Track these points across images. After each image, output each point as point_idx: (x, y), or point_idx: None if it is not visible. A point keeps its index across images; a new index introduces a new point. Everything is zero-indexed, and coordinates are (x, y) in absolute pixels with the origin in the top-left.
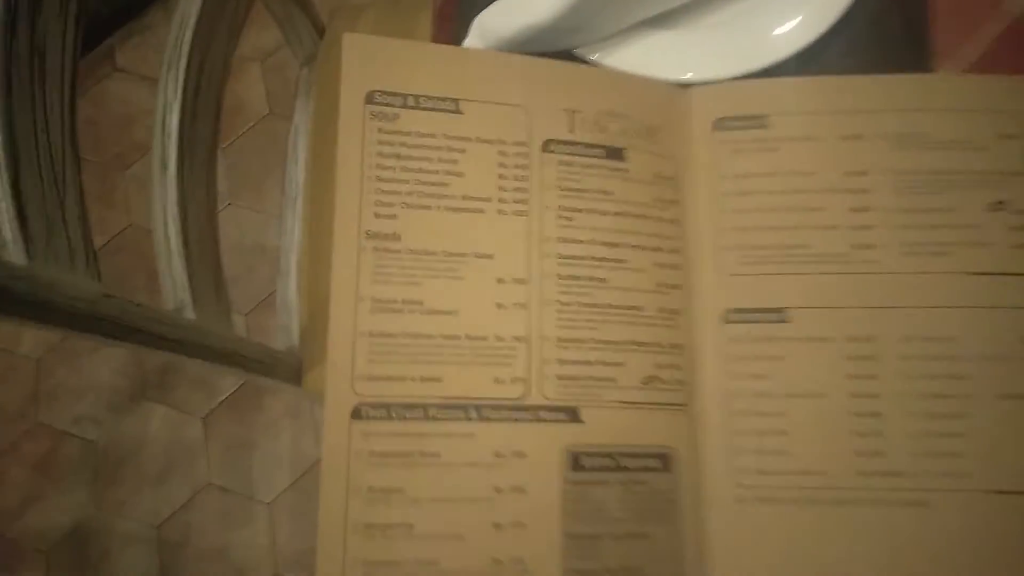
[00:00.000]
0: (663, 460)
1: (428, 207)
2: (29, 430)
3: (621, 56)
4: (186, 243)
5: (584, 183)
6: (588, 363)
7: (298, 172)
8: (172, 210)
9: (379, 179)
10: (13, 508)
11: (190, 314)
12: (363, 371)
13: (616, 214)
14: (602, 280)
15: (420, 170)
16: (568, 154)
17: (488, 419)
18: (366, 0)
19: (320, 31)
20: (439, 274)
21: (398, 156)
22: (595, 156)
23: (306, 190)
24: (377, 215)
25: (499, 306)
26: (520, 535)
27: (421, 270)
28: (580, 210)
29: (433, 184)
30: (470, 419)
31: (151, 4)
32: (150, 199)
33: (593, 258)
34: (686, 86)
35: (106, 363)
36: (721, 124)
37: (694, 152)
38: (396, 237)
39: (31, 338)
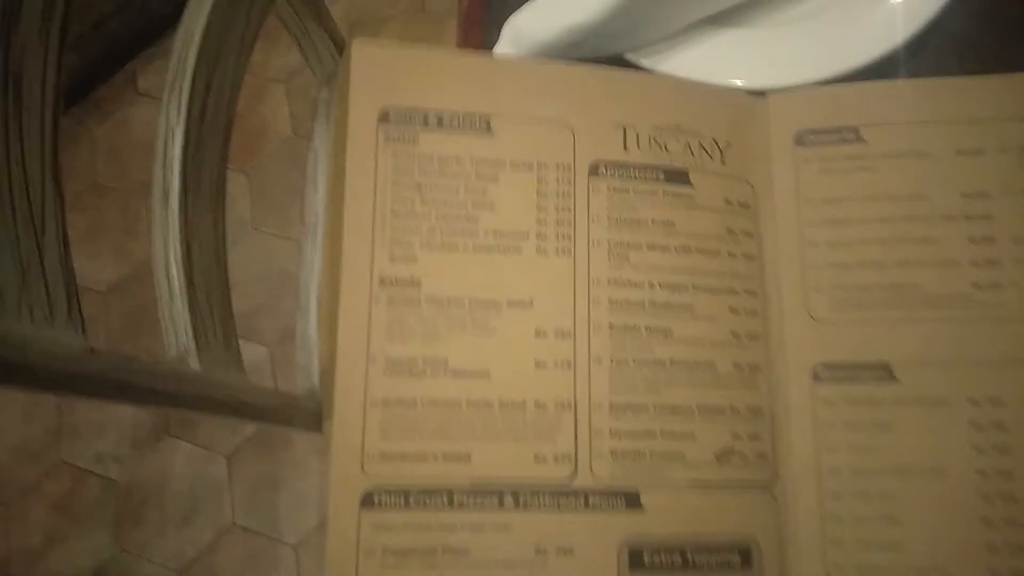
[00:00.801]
0: (743, 555)
1: (454, 247)
2: (51, 469)
3: (681, 60)
4: (190, 283)
5: (641, 213)
6: (649, 435)
7: (317, 199)
8: (174, 247)
9: (395, 214)
10: (36, 549)
11: (193, 363)
12: (375, 448)
13: (680, 250)
14: (665, 331)
15: (444, 202)
16: (621, 178)
17: (527, 507)
18: (390, 11)
19: (340, 47)
20: (467, 327)
21: (418, 186)
22: (654, 180)
23: (326, 218)
24: (393, 257)
25: (539, 365)
26: None
27: (445, 323)
28: (636, 246)
29: (459, 219)
30: (505, 507)
31: (173, 26)
32: (150, 235)
33: (653, 304)
34: (761, 94)
35: None
36: (806, 138)
37: (774, 173)
38: (415, 283)
39: None
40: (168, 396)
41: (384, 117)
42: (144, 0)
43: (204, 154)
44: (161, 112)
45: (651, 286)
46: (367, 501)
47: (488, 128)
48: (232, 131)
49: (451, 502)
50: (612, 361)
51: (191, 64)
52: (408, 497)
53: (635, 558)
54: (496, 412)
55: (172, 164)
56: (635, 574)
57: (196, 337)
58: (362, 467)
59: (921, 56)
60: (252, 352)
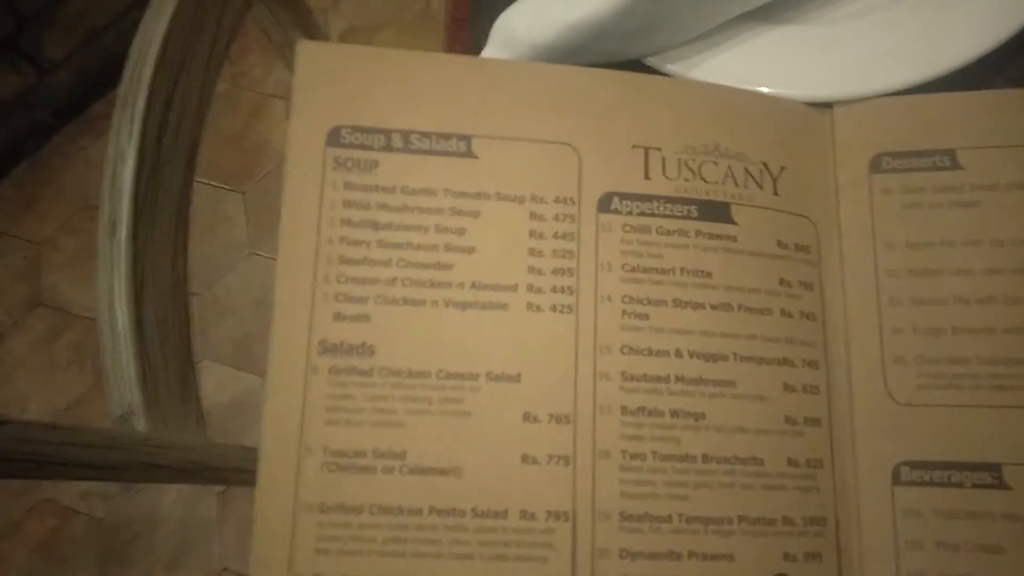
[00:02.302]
0: None
1: (419, 302)
2: (33, 507)
3: (718, 65)
4: (138, 329)
5: (666, 259)
6: (673, 556)
7: None
8: (121, 285)
9: (344, 260)
10: None
11: (140, 423)
12: (307, 567)
13: (718, 307)
14: (696, 415)
15: (409, 245)
16: (641, 215)
17: None
18: (390, 19)
19: None
20: (433, 409)
21: (374, 224)
22: (684, 217)
23: None
24: (339, 316)
25: (528, 460)
26: None
27: (405, 403)
28: (659, 302)
29: (428, 266)
30: None
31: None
32: (95, 274)
33: (681, 379)
34: (825, 106)
35: None
36: (884, 163)
37: (842, 207)
38: (367, 351)
39: (37, 405)
40: (102, 470)
41: (334, 138)
42: (138, 13)
43: (162, 180)
44: (112, 132)
45: (678, 355)
46: None
47: (469, 151)
48: (197, 153)
49: None
50: (624, 455)
51: (147, 77)
52: None
53: None
54: (469, 523)
55: (121, 191)
56: None
57: (144, 392)
58: None
59: (1020, 59)
60: (245, 383)
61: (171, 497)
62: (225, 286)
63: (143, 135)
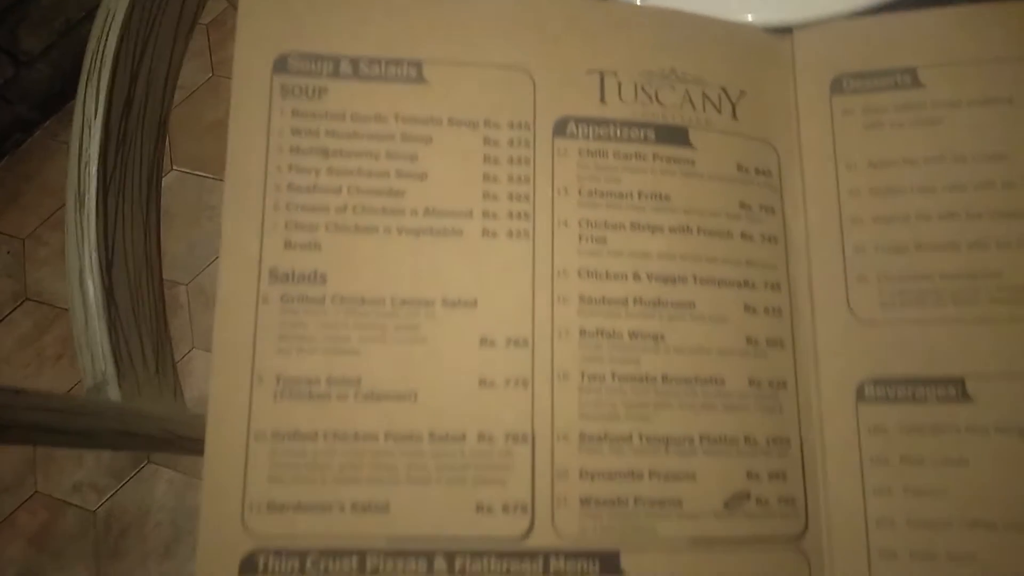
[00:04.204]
0: None
1: (371, 230)
2: (26, 501)
3: None
4: (109, 299)
5: (624, 183)
6: (633, 476)
7: None
8: (91, 257)
9: (293, 188)
10: None
11: (113, 393)
12: (261, 496)
13: (677, 230)
14: (655, 337)
15: (359, 172)
16: (597, 139)
17: (466, 574)
18: None
19: None
20: (387, 336)
21: (324, 152)
22: (641, 140)
23: None
24: (288, 244)
25: (485, 384)
26: None
27: (358, 330)
28: (617, 225)
29: (379, 193)
30: (436, 574)
31: None
32: (65, 246)
33: (640, 302)
34: (784, 30)
35: None
36: (845, 84)
37: (803, 130)
38: (318, 278)
39: None
40: (73, 435)
41: (281, 64)
42: None
43: (130, 153)
44: (77, 104)
45: (636, 278)
46: (248, 566)
47: (419, 76)
48: (167, 126)
49: (363, 567)
50: (583, 377)
51: (112, 49)
52: (304, 561)
53: None
54: (425, 447)
55: (88, 163)
56: None
57: (117, 362)
58: (242, 521)
59: None
60: None
61: (162, 488)
62: (211, 275)
63: (108, 107)
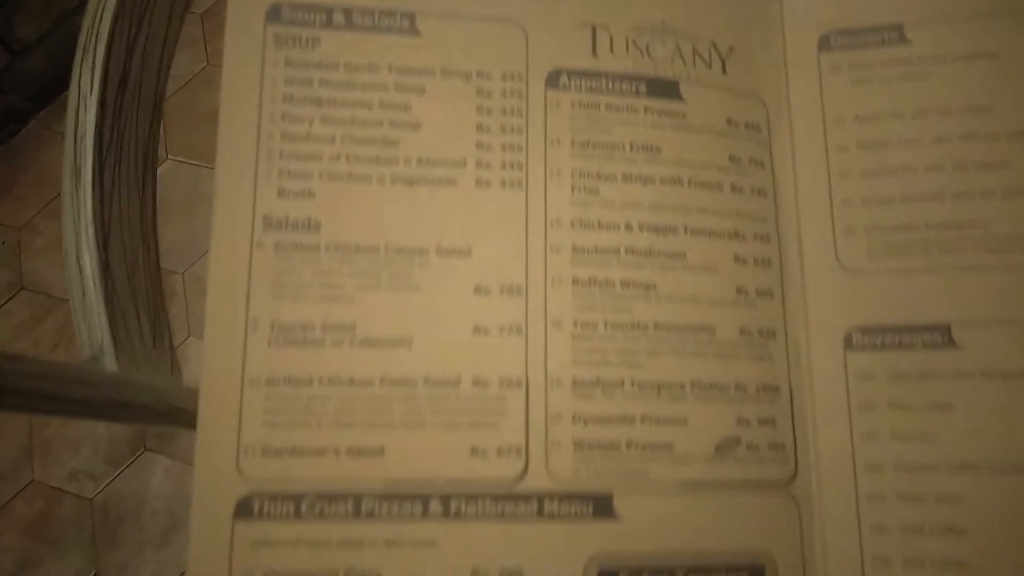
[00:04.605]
0: None
1: (365, 178)
2: (22, 489)
3: None
4: (106, 272)
5: (615, 135)
6: (626, 420)
7: None
8: (87, 230)
9: (286, 137)
10: (6, 575)
11: (110, 364)
12: (256, 440)
13: (668, 181)
14: (647, 286)
15: (352, 121)
16: (589, 91)
17: (461, 516)
18: None
19: None
20: (382, 283)
21: (317, 101)
22: (632, 94)
23: None
24: (282, 192)
25: (479, 331)
26: None
27: (353, 277)
28: (609, 176)
29: (373, 142)
30: (431, 516)
31: None
32: (61, 219)
33: (631, 251)
34: None
35: None
36: (833, 41)
37: (791, 86)
38: (312, 226)
39: None
40: (71, 404)
41: (274, 13)
42: None
43: (127, 128)
44: (73, 79)
45: (628, 228)
46: (243, 509)
47: (412, 27)
48: (163, 102)
49: (358, 510)
50: (576, 325)
51: (107, 24)
52: (300, 504)
53: None
54: (420, 392)
55: (84, 136)
56: None
57: (114, 334)
58: (237, 465)
59: None
60: None
61: (159, 476)
62: (206, 263)
63: (105, 82)
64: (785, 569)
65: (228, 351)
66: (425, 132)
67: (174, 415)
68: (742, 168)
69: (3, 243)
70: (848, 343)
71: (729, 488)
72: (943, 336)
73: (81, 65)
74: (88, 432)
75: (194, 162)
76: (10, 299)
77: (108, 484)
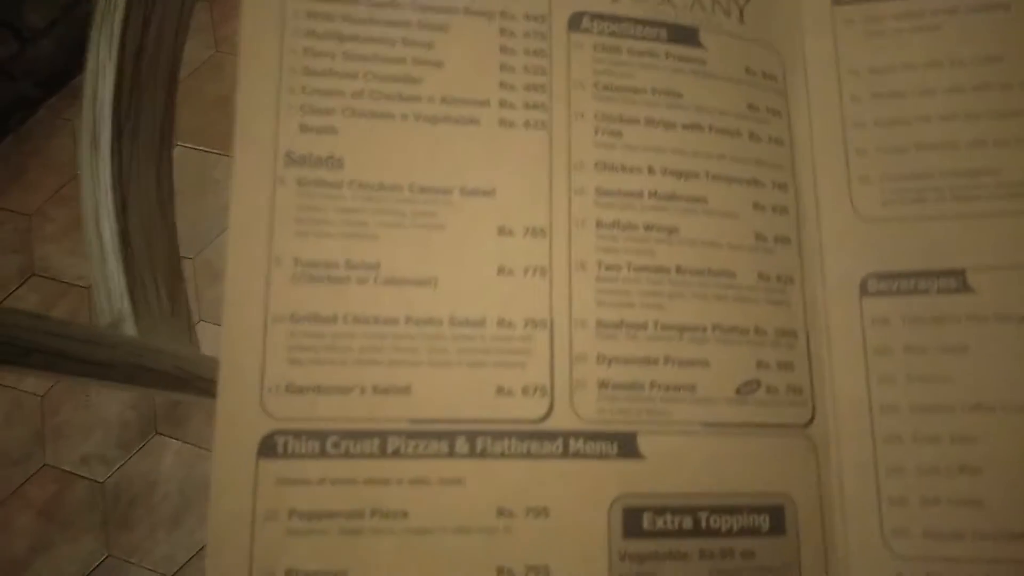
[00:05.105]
0: (774, 517)
1: (388, 115)
2: (35, 473)
3: None
4: (125, 239)
5: (637, 79)
6: (649, 361)
7: None
8: (106, 198)
9: (307, 72)
10: (20, 558)
11: (129, 330)
12: (280, 377)
13: (689, 127)
14: (669, 229)
15: (375, 57)
16: (611, 35)
17: (487, 454)
18: None
19: None
20: (406, 222)
21: (339, 36)
22: (654, 39)
23: None
24: (304, 128)
25: (504, 272)
26: None
27: (376, 215)
28: (632, 119)
29: (395, 80)
30: (457, 454)
31: None
32: (80, 187)
33: (654, 195)
34: None
35: (115, 396)
36: None
37: (806, 38)
38: (336, 163)
39: None
40: (92, 365)
41: None
42: None
43: (143, 98)
44: (90, 49)
45: (651, 172)
46: (268, 448)
47: None
48: (178, 79)
49: (384, 449)
50: (600, 267)
51: None
52: (325, 442)
53: (632, 521)
54: (446, 331)
55: (103, 105)
56: (631, 542)
57: (134, 300)
58: (261, 403)
59: None
60: None
61: (169, 459)
62: (217, 248)
63: (121, 51)
64: (804, 510)
65: (251, 287)
66: (448, 70)
67: (192, 382)
68: (760, 117)
69: (15, 230)
70: (864, 289)
71: (749, 430)
72: (958, 281)
73: (100, 34)
74: (99, 417)
75: (203, 148)
76: (21, 284)
77: (120, 467)
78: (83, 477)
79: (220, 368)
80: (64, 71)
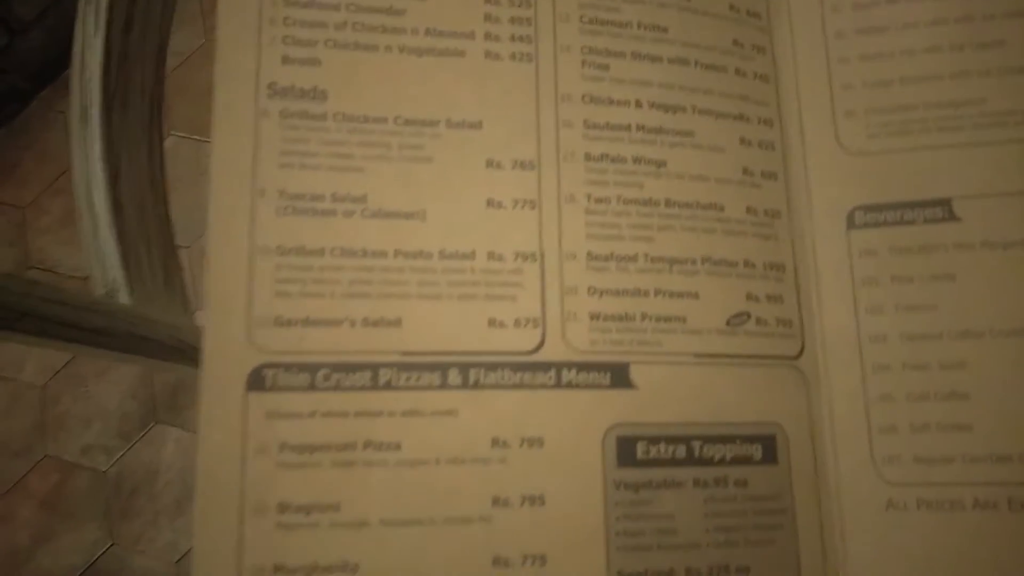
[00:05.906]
0: (765, 446)
1: (371, 47)
2: (36, 464)
3: None
4: (117, 209)
5: (623, 13)
6: (640, 293)
7: None
8: (97, 169)
9: (289, 2)
10: (24, 549)
11: (124, 299)
12: (268, 310)
13: (675, 61)
14: (657, 163)
15: None
16: None
17: (479, 385)
18: None
19: None
20: (392, 154)
21: None
22: None
23: None
24: (287, 59)
25: (493, 204)
26: None
27: (362, 148)
28: (618, 53)
29: (379, 11)
30: (449, 385)
31: None
32: (70, 159)
33: (642, 128)
34: None
35: (115, 386)
36: None
37: None
38: (320, 95)
39: (34, 364)
40: (87, 332)
41: None
42: None
43: (132, 71)
44: (77, 22)
45: (639, 105)
46: (256, 381)
47: None
48: (167, 52)
49: (376, 381)
50: (589, 199)
51: None
52: (315, 375)
53: (625, 450)
54: (436, 264)
55: (91, 78)
56: (626, 471)
57: (127, 270)
58: (248, 335)
59: None
60: None
61: (170, 448)
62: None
63: (109, 26)
64: (795, 439)
65: (235, 219)
66: (432, 2)
67: (187, 352)
68: (745, 53)
69: (10, 223)
70: (850, 221)
71: (740, 361)
72: (944, 210)
73: (84, 10)
74: (99, 407)
75: (195, 137)
76: None
77: (121, 457)
78: (85, 467)
79: (205, 301)
80: (55, 63)
